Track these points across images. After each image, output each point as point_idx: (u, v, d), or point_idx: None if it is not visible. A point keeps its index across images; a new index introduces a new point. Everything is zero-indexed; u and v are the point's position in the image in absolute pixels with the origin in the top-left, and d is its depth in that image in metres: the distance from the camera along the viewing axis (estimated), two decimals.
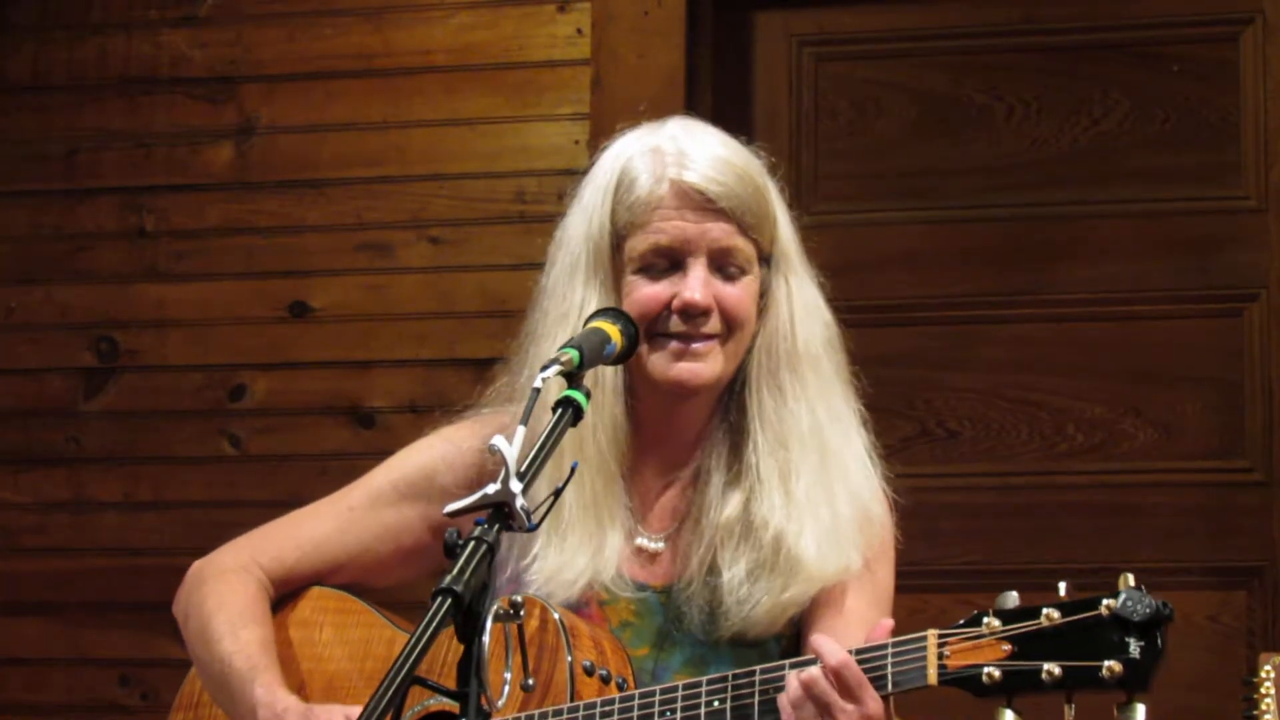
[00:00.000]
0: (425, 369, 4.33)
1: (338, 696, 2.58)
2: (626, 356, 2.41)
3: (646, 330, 2.49)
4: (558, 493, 2.21)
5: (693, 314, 2.48)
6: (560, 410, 2.22)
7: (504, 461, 2.06)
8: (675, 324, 2.50)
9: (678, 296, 2.49)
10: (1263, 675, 2.98)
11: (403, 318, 4.36)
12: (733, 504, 2.52)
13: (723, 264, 2.51)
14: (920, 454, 4.15)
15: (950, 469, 4.13)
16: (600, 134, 4.27)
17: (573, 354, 2.25)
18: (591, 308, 2.48)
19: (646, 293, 2.49)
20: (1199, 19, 4.22)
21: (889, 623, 2.32)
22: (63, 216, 4.53)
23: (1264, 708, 2.95)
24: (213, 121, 4.48)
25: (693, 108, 4.26)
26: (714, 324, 2.50)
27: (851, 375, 2.61)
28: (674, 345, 2.50)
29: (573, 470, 2.50)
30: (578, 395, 2.23)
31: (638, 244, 2.50)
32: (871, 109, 4.33)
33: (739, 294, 2.51)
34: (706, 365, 2.51)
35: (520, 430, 2.09)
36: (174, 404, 4.44)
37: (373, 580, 2.70)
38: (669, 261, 2.50)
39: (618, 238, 2.52)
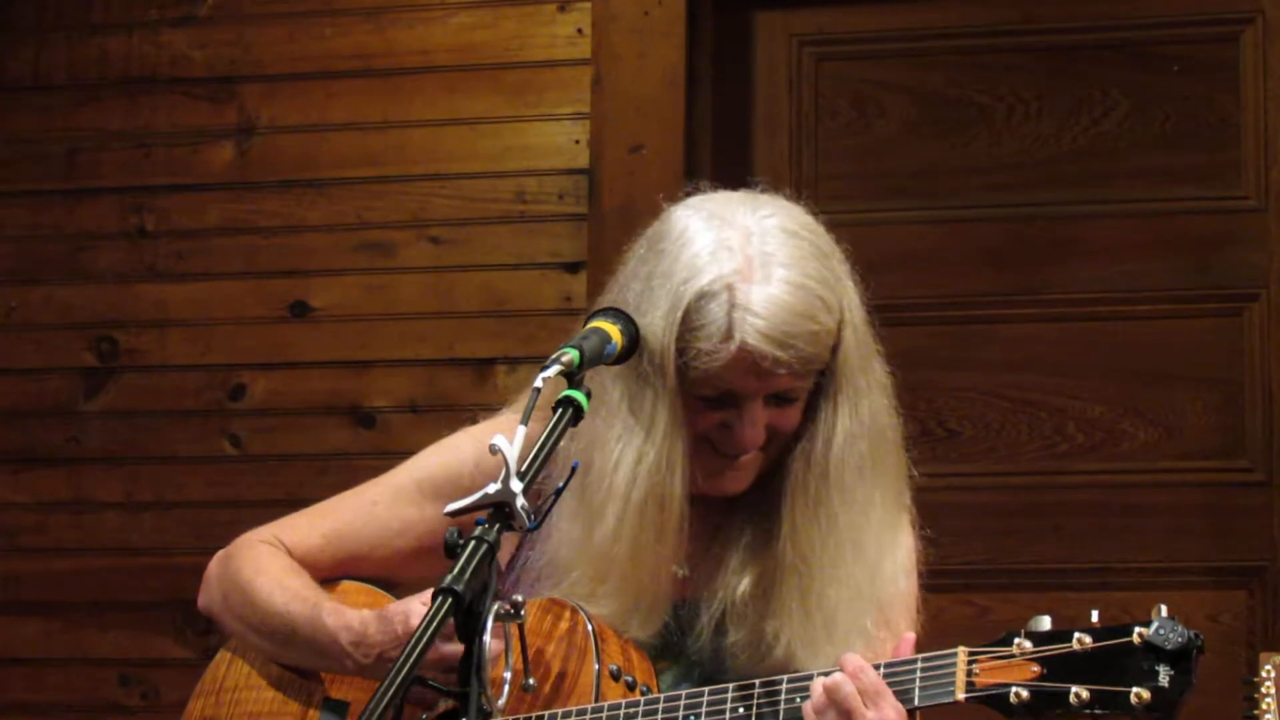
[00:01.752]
0: (425, 369, 4.33)
1: (360, 689, 2.58)
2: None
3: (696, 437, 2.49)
4: (558, 493, 2.20)
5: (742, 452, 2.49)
6: (560, 410, 2.22)
7: (504, 461, 2.06)
8: (723, 445, 2.49)
9: (730, 431, 2.47)
10: (1263, 675, 2.98)
11: (403, 318, 4.36)
12: (746, 582, 2.51)
13: (780, 397, 2.48)
14: (920, 454, 4.12)
15: (950, 469, 4.13)
16: (600, 134, 4.29)
17: (573, 354, 2.25)
18: (661, 423, 2.45)
19: (702, 417, 2.47)
20: (1199, 19, 4.21)
21: (911, 637, 2.32)
22: (63, 216, 4.53)
23: (1264, 707, 2.96)
24: (213, 121, 4.48)
25: (693, 108, 4.26)
26: (760, 444, 2.49)
27: (908, 469, 2.58)
28: (720, 461, 2.50)
29: (573, 471, 2.50)
30: (578, 395, 2.23)
31: (698, 380, 2.44)
32: (871, 109, 4.33)
33: (790, 415, 2.49)
34: (746, 476, 2.51)
35: (521, 430, 2.09)
36: (174, 404, 4.44)
37: (395, 574, 2.70)
38: (726, 393, 2.47)
39: (679, 356, 2.45)
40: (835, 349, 2.48)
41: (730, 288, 2.41)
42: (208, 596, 2.73)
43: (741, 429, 2.45)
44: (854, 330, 2.50)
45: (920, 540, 2.61)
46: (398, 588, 2.70)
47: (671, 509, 2.46)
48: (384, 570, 2.70)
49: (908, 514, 2.58)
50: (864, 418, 2.51)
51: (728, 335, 2.40)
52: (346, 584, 2.70)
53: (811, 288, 2.43)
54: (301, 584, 2.62)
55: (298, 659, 2.62)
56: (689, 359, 2.43)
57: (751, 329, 2.39)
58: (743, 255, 2.42)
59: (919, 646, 2.33)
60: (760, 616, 2.48)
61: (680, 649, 2.53)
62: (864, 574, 2.48)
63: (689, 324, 2.42)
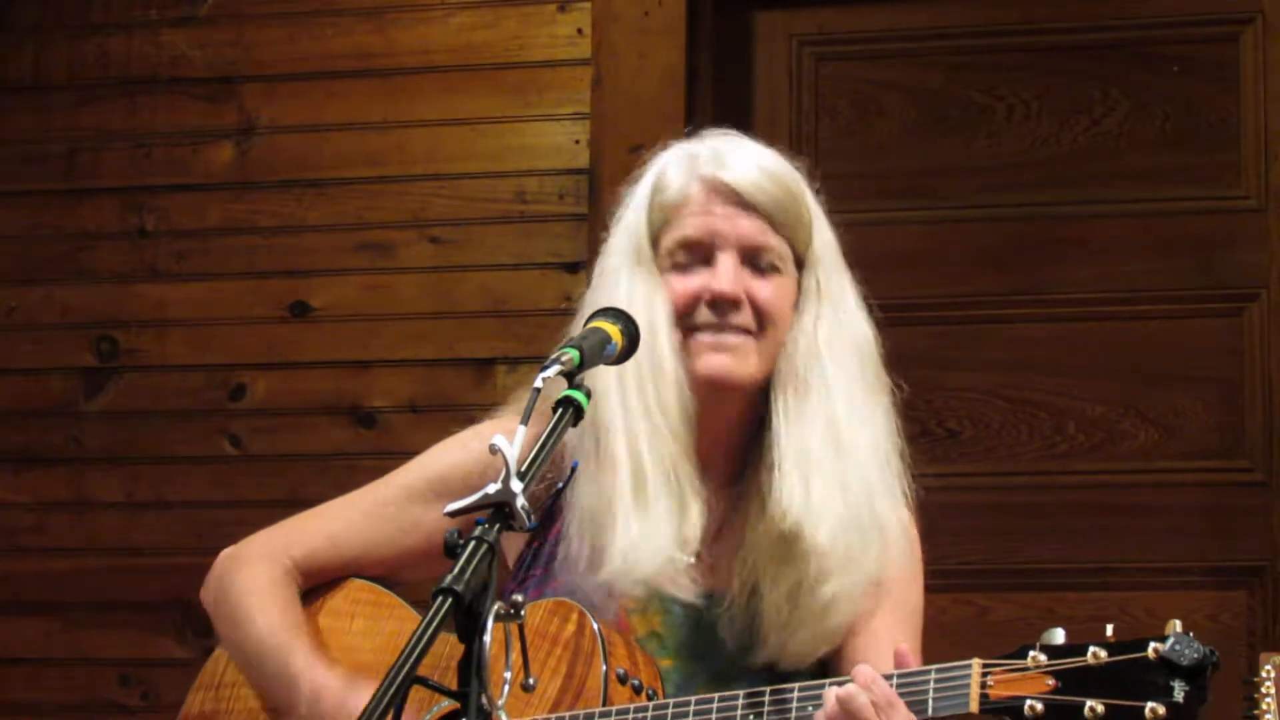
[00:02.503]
0: (425, 369, 4.34)
1: (363, 687, 2.58)
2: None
3: (681, 325, 2.50)
4: (558, 492, 2.20)
5: (721, 304, 2.49)
6: (560, 410, 2.22)
7: (504, 461, 2.06)
8: (705, 316, 2.50)
9: (707, 288, 2.50)
10: (1263, 675, 2.98)
11: (403, 318, 4.36)
12: (772, 522, 2.50)
13: (754, 258, 2.51)
14: (920, 454, 4.13)
15: (950, 469, 4.12)
16: (601, 134, 4.29)
17: (573, 354, 2.25)
18: (638, 307, 2.46)
19: (677, 286, 2.50)
20: (1199, 19, 4.22)
21: (904, 648, 2.32)
22: (63, 216, 4.53)
23: (1264, 707, 2.96)
24: (213, 121, 4.48)
25: (693, 108, 4.26)
26: (745, 318, 2.50)
27: (891, 387, 2.61)
28: (705, 338, 2.50)
29: (573, 470, 2.50)
30: (578, 395, 2.23)
31: (668, 240, 2.52)
32: (871, 109, 4.33)
33: (771, 289, 2.51)
34: (738, 361, 2.51)
35: (521, 430, 2.09)
36: (174, 404, 4.44)
37: (403, 574, 2.71)
38: (701, 256, 2.51)
39: (654, 237, 2.53)
40: (810, 243, 2.55)
41: (693, 154, 2.56)
42: (206, 593, 2.74)
43: (717, 276, 2.49)
44: (824, 241, 2.58)
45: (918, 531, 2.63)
46: (399, 586, 2.71)
47: (667, 377, 2.48)
48: (391, 570, 2.70)
49: (889, 422, 2.61)
50: (846, 308, 2.58)
51: (691, 176, 2.52)
52: (354, 581, 2.71)
53: (775, 157, 2.57)
54: (285, 616, 2.63)
55: (259, 686, 2.64)
56: (658, 219, 2.53)
57: (715, 165, 2.51)
58: (707, 143, 2.57)
59: (925, 653, 2.32)
60: (779, 531, 2.47)
61: (710, 636, 2.52)
62: (851, 439, 2.52)
63: (655, 191, 2.55)
